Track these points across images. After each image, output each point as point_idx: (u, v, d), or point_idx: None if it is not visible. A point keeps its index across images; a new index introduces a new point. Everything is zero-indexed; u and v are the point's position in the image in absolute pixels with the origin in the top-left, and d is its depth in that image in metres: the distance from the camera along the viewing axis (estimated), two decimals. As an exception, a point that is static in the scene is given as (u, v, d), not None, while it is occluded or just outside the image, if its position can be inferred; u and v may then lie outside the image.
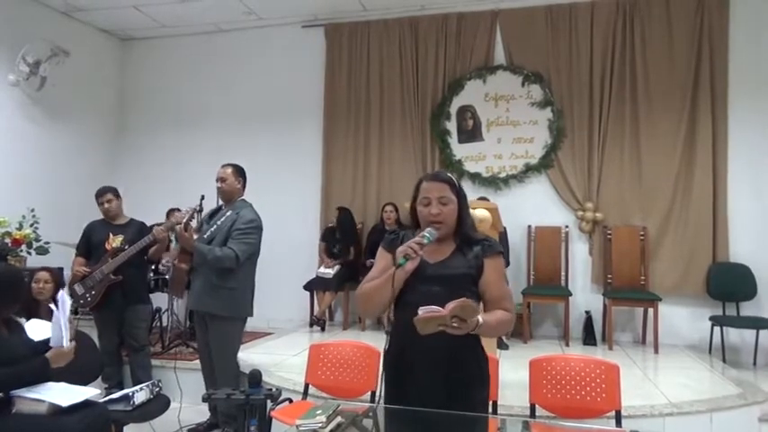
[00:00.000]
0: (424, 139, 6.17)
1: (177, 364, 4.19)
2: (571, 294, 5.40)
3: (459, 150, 6.11)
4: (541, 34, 5.90)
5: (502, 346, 4.79)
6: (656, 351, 5.01)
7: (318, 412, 1.85)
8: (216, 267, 3.52)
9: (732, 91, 5.44)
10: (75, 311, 3.88)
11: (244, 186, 3.80)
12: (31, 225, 5.29)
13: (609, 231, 5.58)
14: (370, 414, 2.14)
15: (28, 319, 3.17)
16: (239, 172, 3.78)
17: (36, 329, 2.88)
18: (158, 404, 3.15)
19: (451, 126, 6.15)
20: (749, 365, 5.02)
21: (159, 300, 5.30)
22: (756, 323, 4.99)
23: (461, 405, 1.94)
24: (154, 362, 4.44)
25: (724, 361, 4.84)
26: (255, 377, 2.17)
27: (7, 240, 5.12)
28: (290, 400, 3.14)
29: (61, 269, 4.36)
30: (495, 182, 5.98)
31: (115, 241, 4.16)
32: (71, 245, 4.58)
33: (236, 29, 6.74)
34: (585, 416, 2.65)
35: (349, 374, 3.05)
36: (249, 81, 6.72)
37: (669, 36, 5.57)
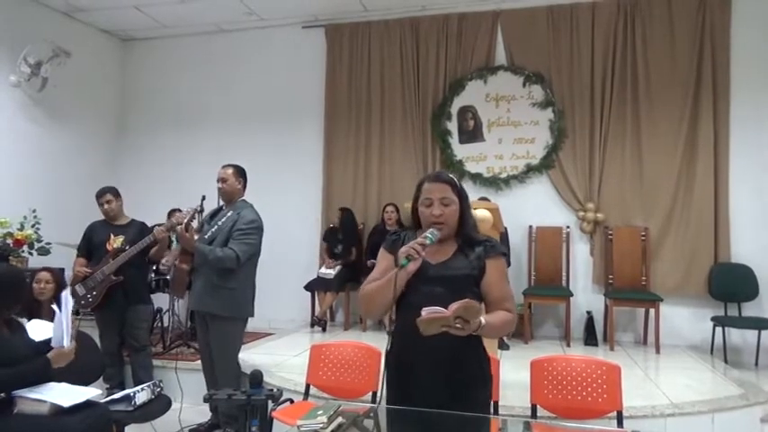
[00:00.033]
0: (425, 140, 6.17)
1: (178, 365, 4.19)
2: (572, 295, 5.40)
3: (460, 151, 6.11)
4: (542, 35, 5.90)
5: (503, 346, 4.78)
6: (658, 351, 5.01)
7: (319, 413, 1.85)
8: (217, 268, 3.52)
9: (734, 90, 5.43)
10: (76, 312, 3.88)
11: (244, 187, 3.81)
12: (33, 226, 5.30)
13: (610, 232, 5.58)
14: (371, 414, 2.14)
15: (29, 319, 3.18)
16: (240, 172, 3.78)
17: (37, 330, 2.88)
18: (160, 404, 3.15)
19: (452, 126, 6.15)
20: (751, 366, 5.02)
21: (160, 300, 5.30)
22: (758, 323, 4.99)
23: (464, 406, 1.94)
24: (155, 362, 4.44)
25: (726, 361, 4.83)
26: (256, 377, 2.17)
27: (9, 241, 5.12)
28: (292, 401, 3.13)
29: (62, 270, 4.37)
30: (495, 182, 5.98)
31: (116, 242, 4.16)
32: (72, 245, 4.59)
33: (237, 29, 6.74)
34: (587, 416, 2.65)
35: (350, 375, 3.05)
36: (250, 81, 6.73)
37: (670, 35, 5.57)
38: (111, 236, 4.19)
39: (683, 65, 5.51)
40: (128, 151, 7.08)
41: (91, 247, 4.26)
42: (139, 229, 4.24)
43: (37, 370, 2.54)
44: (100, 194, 4.27)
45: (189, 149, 6.78)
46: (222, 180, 3.72)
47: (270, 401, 2.13)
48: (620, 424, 2.59)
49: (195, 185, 4.07)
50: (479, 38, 6.07)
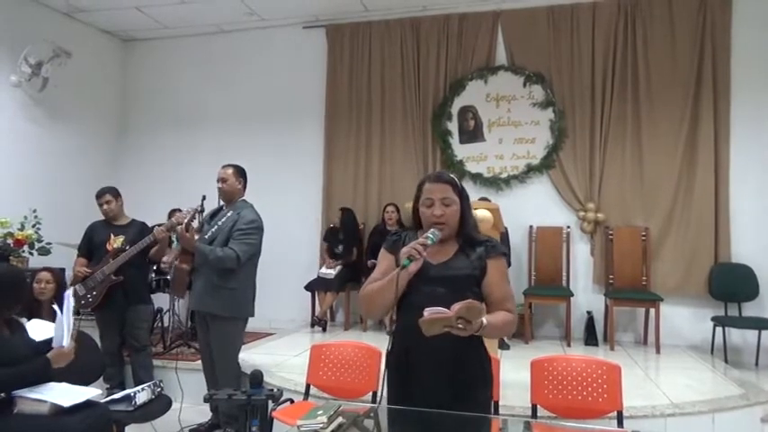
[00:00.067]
0: (426, 140, 6.17)
1: (178, 365, 4.19)
2: (572, 295, 5.40)
3: (461, 151, 6.11)
4: (543, 35, 5.90)
5: (503, 346, 4.78)
6: (658, 351, 5.01)
7: (320, 413, 1.85)
8: (217, 268, 3.52)
9: (734, 90, 5.43)
10: (76, 312, 3.87)
11: (244, 187, 3.81)
12: (33, 226, 5.30)
13: (610, 232, 5.58)
14: (372, 414, 2.14)
15: (29, 319, 3.18)
16: (240, 172, 3.78)
17: (37, 329, 2.88)
18: (160, 404, 3.15)
19: (453, 126, 6.15)
20: (751, 366, 5.01)
21: (161, 300, 5.30)
22: (758, 323, 4.99)
23: (466, 406, 1.94)
24: (155, 362, 4.44)
25: (726, 361, 4.83)
26: (257, 377, 2.17)
27: (9, 241, 5.12)
28: (292, 401, 3.13)
29: (63, 270, 4.37)
30: (496, 182, 5.98)
31: (116, 242, 4.16)
32: (73, 245, 4.59)
33: (238, 29, 6.74)
34: (587, 416, 2.65)
35: (350, 375, 3.05)
36: (250, 81, 6.73)
37: (671, 35, 5.57)
38: (112, 236, 4.20)
39: (683, 65, 5.51)
40: (128, 151, 7.08)
41: (91, 247, 4.27)
42: (140, 230, 4.24)
43: (37, 370, 2.54)
44: (99, 195, 4.27)
45: (189, 149, 6.78)
46: (222, 180, 3.72)
47: (270, 401, 2.13)
48: (620, 424, 2.59)
49: (196, 185, 4.07)
50: (480, 38, 6.07)
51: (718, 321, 5.06)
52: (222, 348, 3.65)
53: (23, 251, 5.21)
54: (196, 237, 3.58)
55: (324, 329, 5.76)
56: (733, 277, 5.22)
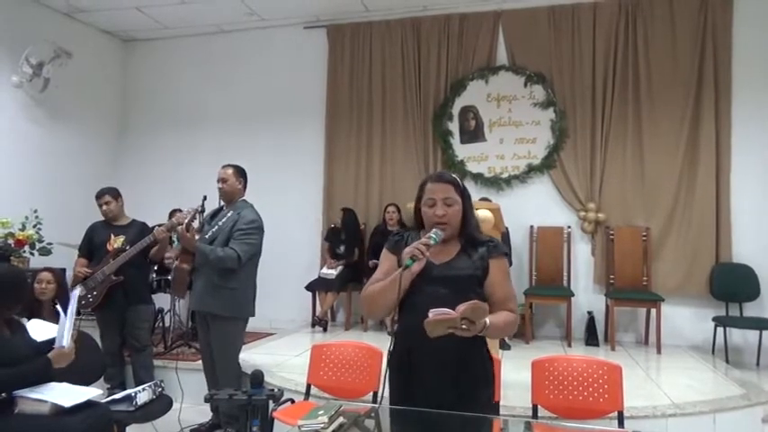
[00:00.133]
0: (427, 140, 6.17)
1: (179, 365, 4.20)
2: (573, 295, 5.39)
3: (462, 151, 6.11)
4: (544, 35, 5.89)
5: (504, 346, 4.78)
6: (659, 352, 5.00)
7: (320, 413, 1.85)
8: (218, 268, 3.52)
9: (735, 90, 5.43)
10: (77, 312, 3.88)
11: (245, 187, 3.81)
12: (34, 226, 5.31)
13: (611, 232, 5.57)
14: (373, 414, 2.14)
15: (29, 319, 3.18)
16: (240, 173, 3.78)
17: (37, 329, 2.88)
18: (161, 404, 3.15)
19: (454, 126, 6.15)
20: (752, 366, 5.01)
21: (162, 300, 5.31)
22: (760, 324, 4.99)
23: (468, 406, 1.94)
24: (155, 362, 4.44)
25: (727, 362, 4.83)
26: (257, 377, 2.16)
27: (10, 241, 5.13)
28: (292, 401, 3.13)
29: (63, 270, 4.37)
30: (497, 182, 5.97)
31: (116, 242, 4.16)
32: (73, 245, 4.59)
33: (238, 30, 6.74)
34: (588, 416, 2.64)
35: (351, 375, 3.05)
36: (251, 82, 6.73)
37: (672, 35, 5.56)
38: (112, 236, 4.20)
39: (684, 65, 5.50)
40: (129, 151, 7.09)
41: (92, 247, 4.27)
42: (140, 230, 4.24)
43: (37, 370, 2.54)
44: (99, 195, 4.27)
45: (190, 149, 6.78)
46: (222, 180, 3.73)
47: (271, 401, 2.12)
48: (621, 424, 2.59)
49: (196, 185, 4.08)
50: (481, 38, 6.07)
51: (719, 321, 5.06)
52: (223, 348, 3.65)
53: (24, 251, 5.22)
54: (197, 237, 3.58)
55: (324, 329, 5.76)
56: (734, 277, 5.22)
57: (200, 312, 3.72)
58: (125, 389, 3.69)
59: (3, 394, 2.50)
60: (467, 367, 1.95)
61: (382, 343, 2.69)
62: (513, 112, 5.99)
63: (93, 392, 2.71)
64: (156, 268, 5.04)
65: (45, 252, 5.28)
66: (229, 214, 3.67)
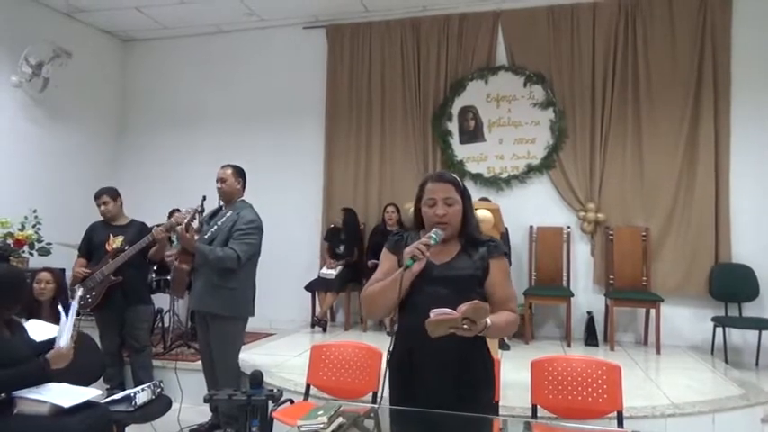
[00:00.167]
0: (426, 140, 6.17)
1: (178, 365, 4.19)
2: (573, 295, 5.39)
3: (461, 151, 6.11)
4: (543, 35, 5.89)
5: (503, 346, 4.78)
6: (658, 352, 5.00)
7: (320, 413, 1.85)
8: (217, 268, 3.52)
9: (735, 90, 5.43)
10: (76, 312, 3.88)
11: (244, 187, 3.81)
12: (34, 226, 5.30)
13: (611, 232, 5.58)
14: (372, 415, 2.14)
15: (27, 319, 3.18)
16: (239, 173, 3.78)
17: (36, 330, 2.88)
18: (160, 405, 3.15)
19: (453, 127, 6.15)
20: (751, 366, 5.01)
21: (161, 300, 5.30)
22: (759, 324, 4.99)
23: (469, 406, 1.94)
24: (154, 362, 4.44)
25: (726, 362, 4.83)
26: (257, 378, 2.16)
27: (9, 241, 5.12)
28: (292, 401, 3.13)
29: (63, 270, 4.37)
30: (496, 182, 5.97)
31: (115, 242, 4.16)
32: (73, 246, 4.59)
33: (238, 30, 6.74)
34: (587, 417, 2.64)
35: (350, 375, 3.05)
36: (250, 82, 6.73)
37: (671, 35, 5.56)
38: (111, 236, 4.19)
39: (683, 65, 5.50)
40: (128, 151, 7.08)
41: (91, 247, 4.26)
42: (139, 230, 4.24)
43: (35, 371, 2.54)
44: (97, 196, 4.27)
45: (189, 149, 6.78)
46: (221, 180, 3.73)
47: (270, 402, 2.13)
48: (620, 424, 2.59)
49: (195, 185, 4.08)
50: (480, 38, 6.07)
51: (718, 321, 5.06)
52: (222, 348, 3.65)
53: (23, 251, 5.21)
54: (196, 237, 3.58)
55: (324, 330, 5.76)
56: (733, 277, 5.22)
57: (200, 312, 3.72)
58: (124, 389, 3.69)
59: (2, 395, 2.50)
60: (467, 367, 1.95)
61: (382, 343, 2.69)
62: (512, 113, 5.99)
63: (92, 393, 2.71)
64: (155, 268, 5.03)
65: (44, 252, 5.28)
66: (228, 214, 3.67)
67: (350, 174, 6.34)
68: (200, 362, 3.95)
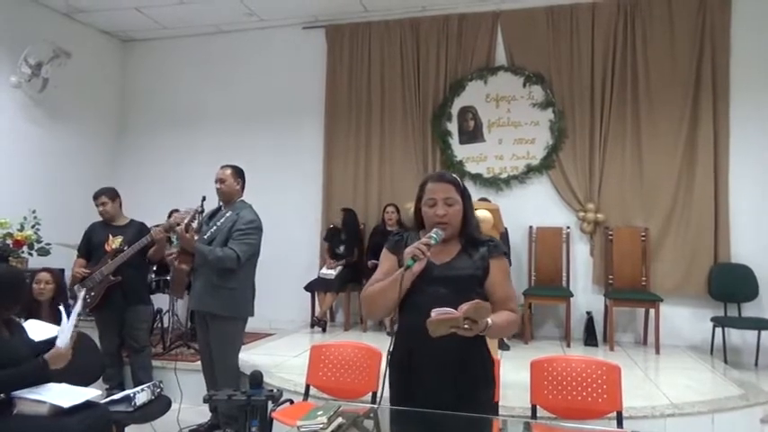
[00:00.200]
0: (425, 140, 6.17)
1: (177, 365, 4.18)
2: (572, 295, 5.39)
3: (461, 151, 6.11)
4: (542, 35, 5.90)
5: (503, 346, 4.78)
6: (658, 352, 5.01)
7: (319, 413, 1.85)
8: (217, 268, 3.52)
9: (734, 91, 5.44)
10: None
11: (243, 187, 3.81)
12: (33, 226, 5.30)
13: (610, 232, 5.58)
14: (371, 415, 2.14)
15: (26, 319, 3.18)
16: (238, 173, 3.78)
17: (35, 330, 2.88)
18: (159, 405, 3.15)
19: (452, 127, 6.15)
20: (751, 366, 5.02)
21: (160, 301, 5.30)
22: (758, 324, 4.99)
23: (469, 407, 1.94)
24: (154, 363, 4.43)
25: (725, 362, 4.83)
26: (256, 378, 2.17)
27: (9, 241, 5.12)
28: (291, 401, 3.13)
29: (62, 270, 4.37)
30: (496, 183, 5.98)
31: (114, 242, 4.15)
32: (72, 246, 4.59)
33: (237, 30, 6.74)
34: (587, 417, 2.65)
35: (350, 375, 3.05)
36: (250, 82, 6.73)
37: (671, 36, 5.57)
38: (110, 236, 4.19)
39: (683, 65, 5.51)
40: (128, 151, 7.08)
41: (90, 247, 4.26)
42: (138, 230, 4.23)
43: (34, 371, 2.54)
44: (96, 196, 4.27)
45: (189, 150, 6.78)
46: (220, 181, 3.73)
47: (270, 402, 2.13)
48: (619, 424, 2.59)
49: (195, 185, 4.07)
50: (479, 38, 6.07)
51: (717, 322, 5.06)
52: (221, 348, 3.65)
53: (23, 252, 5.21)
54: (195, 237, 3.58)
55: (323, 330, 5.76)
56: (732, 277, 5.22)
57: (200, 312, 3.72)
58: (124, 389, 3.69)
59: (2, 395, 2.49)
60: (467, 368, 1.96)
61: (381, 343, 2.69)
62: (511, 113, 6.00)
63: (91, 393, 2.71)
64: (154, 268, 5.03)
65: (43, 252, 5.27)
66: (228, 214, 3.67)
67: (349, 174, 6.34)
68: (199, 362, 3.95)
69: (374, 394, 2.88)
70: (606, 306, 5.41)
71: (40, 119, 6.03)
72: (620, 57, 5.67)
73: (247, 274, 3.69)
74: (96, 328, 4.26)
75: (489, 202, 4.94)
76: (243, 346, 3.98)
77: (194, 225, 3.65)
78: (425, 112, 6.18)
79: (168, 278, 5.00)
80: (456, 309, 1.75)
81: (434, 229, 1.97)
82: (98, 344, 3.92)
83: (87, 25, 6.67)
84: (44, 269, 3.88)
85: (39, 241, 5.29)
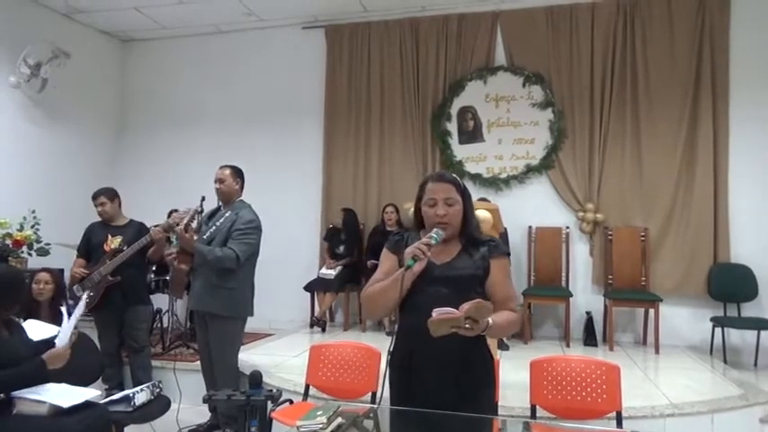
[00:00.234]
0: (425, 140, 6.17)
1: (177, 365, 4.17)
2: (572, 295, 5.40)
3: (460, 151, 6.11)
4: (542, 35, 5.90)
5: (502, 346, 4.78)
6: (657, 352, 5.01)
7: (319, 413, 1.85)
8: (216, 268, 3.52)
9: (733, 91, 5.44)
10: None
11: (242, 187, 3.81)
12: (32, 226, 5.29)
13: (609, 232, 5.58)
14: (371, 415, 2.14)
15: (25, 319, 3.17)
16: (237, 173, 3.78)
17: (34, 330, 2.88)
18: (159, 405, 3.15)
19: (452, 127, 6.15)
20: (750, 366, 5.02)
21: (160, 301, 5.30)
22: (757, 324, 4.99)
23: (469, 407, 1.94)
24: (153, 363, 4.43)
25: (725, 362, 4.83)
26: (256, 378, 2.17)
27: (8, 242, 5.12)
28: (291, 401, 3.13)
29: (62, 270, 4.36)
30: (495, 183, 5.98)
31: (114, 242, 4.15)
32: (72, 246, 4.59)
33: (237, 30, 6.74)
34: (586, 417, 2.65)
35: (350, 375, 3.05)
36: (249, 82, 6.73)
37: (670, 36, 5.57)
38: (109, 237, 4.19)
39: (682, 65, 5.51)
40: (127, 151, 7.08)
41: (89, 247, 4.26)
42: (138, 230, 4.23)
43: (32, 371, 2.53)
44: (95, 196, 4.27)
45: (188, 149, 6.78)
46: (220, 181, 3.73)
47: (269, 402, 2.13)
48: (619, 424, 2.59)
49: (194, 185, 4.07)
50: (479, 38, 6.07)
51: (717, 322, 5.06)
52: (221, 348, 3.65)
53: (22, 252, 5.21)
54: (195, 237, 3.58)
55: (323, 330, 5.75)
56: (732, 277, 5.23)
57: (199, 312, 3.72)
58: (123, 389, 3.69)
59: (1, 395, 2.49)
60: (469, 368, 1.96)
61: (381, 343, 2.69)
62: (511, 113, 6.00)
63: (91, 393, 2.71)
64: (154, 268, 5.03)
65: (43, 252, 5.27)
66: (227, 214, 3.67)
67: (349, 174, 6.34)
68: (199, 362, 3.95)
69: (373, 394, 2.88)
70: (606, 306, 5.41)
71: (39, 119, 6.02)
72: (619, 57, 5.67)
73: (247, 274, 3.69)
74: (95, 328, 4.26)
75: (489, 202, 4.95)
76: (242, 346, 3.98)
77: (193, 225, 3.65)
78: (425, 112, 6.18)
79: (168, 278, 5.00)
80: (457, 308, 1.75)
81: (435, 229, 1.97)
82: (97, 344, 3.92)
83: (87, 25, 6.66)
84: (43, 269, 3.88)
85: (38, 241, 5.29)
